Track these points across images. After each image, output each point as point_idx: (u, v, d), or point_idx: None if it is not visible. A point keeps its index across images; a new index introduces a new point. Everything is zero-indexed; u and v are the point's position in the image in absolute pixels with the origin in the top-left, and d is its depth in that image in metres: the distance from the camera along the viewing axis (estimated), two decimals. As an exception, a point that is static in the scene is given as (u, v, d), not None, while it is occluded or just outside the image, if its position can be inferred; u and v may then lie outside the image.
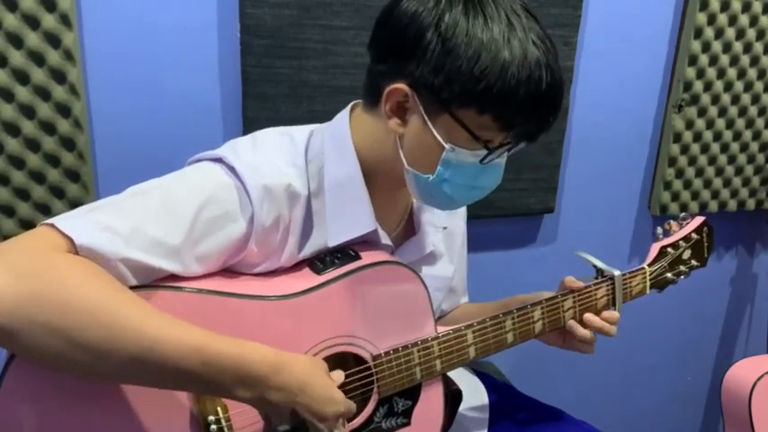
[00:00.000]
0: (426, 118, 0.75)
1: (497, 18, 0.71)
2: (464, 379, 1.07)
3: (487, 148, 0.76)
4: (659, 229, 1.13)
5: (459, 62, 0.71)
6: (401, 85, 0.75)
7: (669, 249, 1.10)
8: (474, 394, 1.05)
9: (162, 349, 0.62)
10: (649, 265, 1.08)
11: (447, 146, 0.76)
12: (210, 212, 0.72)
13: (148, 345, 0.62)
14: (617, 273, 1.01)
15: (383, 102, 0.77)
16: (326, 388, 0.72)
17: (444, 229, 1.00)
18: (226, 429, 0.74)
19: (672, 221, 1.13)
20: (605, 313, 0.99)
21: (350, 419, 0.80)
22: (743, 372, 1.56)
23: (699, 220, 1.14)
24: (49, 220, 0.65)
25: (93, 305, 0.60)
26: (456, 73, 0.71)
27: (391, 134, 0.79)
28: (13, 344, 0.59)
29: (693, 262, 1.13)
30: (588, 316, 0.97)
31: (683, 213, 1.15)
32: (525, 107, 0.73)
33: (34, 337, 0.58)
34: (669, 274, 1.10)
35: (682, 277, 1.12)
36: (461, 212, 1.08)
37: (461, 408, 1.00)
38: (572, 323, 0.97)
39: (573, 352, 1.01)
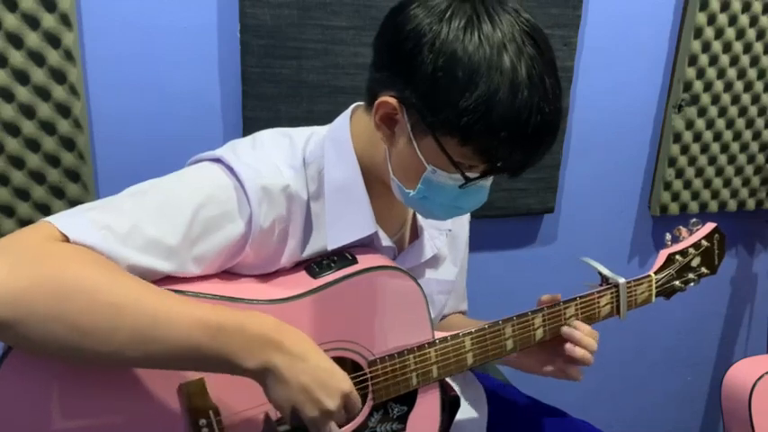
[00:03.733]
0: (411, 135, 0.74)
1: (494, 44, 0.68)
2: (463, 384, 1.06)
3: (465, 177, 0.75)
4: (668, 236, 1.10)
5: (445, 93, 0.69)
6: (391, 99, 0.74)
7: (677, 257, 1.07)
8: (472, 401, 1.04)
9: (165, 324, 0.62)
10: (656, 273, 1.05)
11: (428, 167, 0.75)
12: (209, 212, 0.72)
13: (151, 321, 0.62)
14: (622, 280, 0.99)
15: (373, 110, 0.76)
16: (329, 361, 0.71)
17: (449, 232, 1.00)
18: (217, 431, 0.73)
19: (682, 228, 1.10)
20: (582, 327, 0.94)
21: (341, 425, 0.78)
22: (743, 372, 1.56)
23: (710, 226, 1.11)
24: (47, 219, 0.65)
25: (93, 287, 0.61)
26: (441, 104, 0.69)
27: (382, 141, 0.79)
28: (16, 336, 0.59)
29: (703, 269, 1.10)
30: (566, 329, 0.93)
31: (694, 219, 1.11)
32: (507, 146, 0.71)
33: (36, 327, 0.58)
34: (677, 282, 1.08)
35: (691, 285, 1.09)
36: (466, 215, 1.06)
37: (459, 415, 0.99)
38: (566, 331, 0.93)
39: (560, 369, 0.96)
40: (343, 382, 0.71)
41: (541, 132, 0.71)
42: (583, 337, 0.92)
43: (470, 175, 0.75)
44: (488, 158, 0.73)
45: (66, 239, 0.64)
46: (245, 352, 0.66)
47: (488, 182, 0.80)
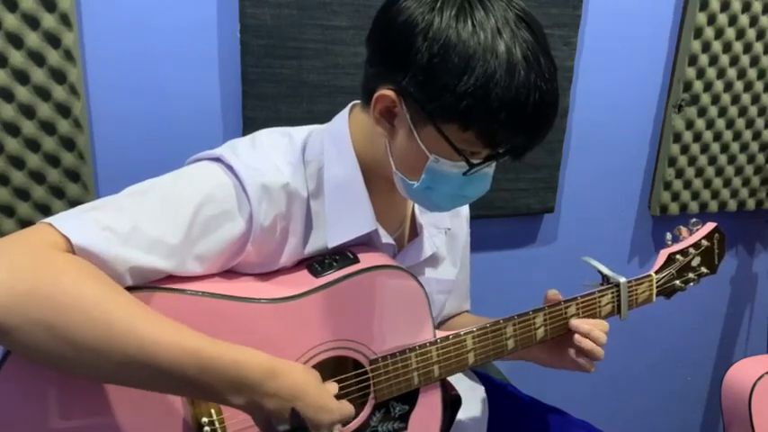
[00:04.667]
0: (412, 126, 0.75)
1: (488, 29, 0.68)
2: (464, 384, 1.06)
3: (469, 163, 0.75)
4: (668, 235, 1.10)
5: (443, 79, 0.69)
6: (389, 92, 0.74)
7: (678, 256, 1.08)
8: (474, 401, 1.04)
9: (156, 351, 0.62)
10: (656, 273, 1.06)
11: (431, 156, 0.75)
12: (209, 211, 0.72)
13: (142, 346, 0.61)
14: (622, 280, 0.99)
15: (372, 105, 0.76)
16: (321, 397, 0.71)
17: (447, 231, 1.00)
18: (219, 430, 0.73)
19: (682, 227, 1.10)
20: (591, 320, 0.95)
21: (345, 423, 0.79)
22: (743, 372, 1.56)
23: (710, 226, 1.11)
24: (48, 219, 0.65)
25: (88, 304, 0.60)
26: (440, 89, 0.70)
27: (381, 136, 0.79)
28: (8, 340, 0.59)
29: (703, 269, 1.10)
30: (575, 322, 0.93)
31: (694, 219, 1.12)
32: (508, 128, 0.71)
33: (28, 334, 0.58)
34: (677, 282, 1.08)
35: (691, 284, 1.10)
36: (465, 215, 1.06)
37: (460, 414, 0.99)
38: (576, 323, 0.94)
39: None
40: (334, 414, 0.72)
41: (540, 112, 0.72)
42: (591, 329, 0.93)
43: (474, 160, 0.75)
44: (490, 142, 0.74)
45: (68, 241, 0.63)
46: (233, 390, 0.66)
47: (492, 168, 0.80)
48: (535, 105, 0.70)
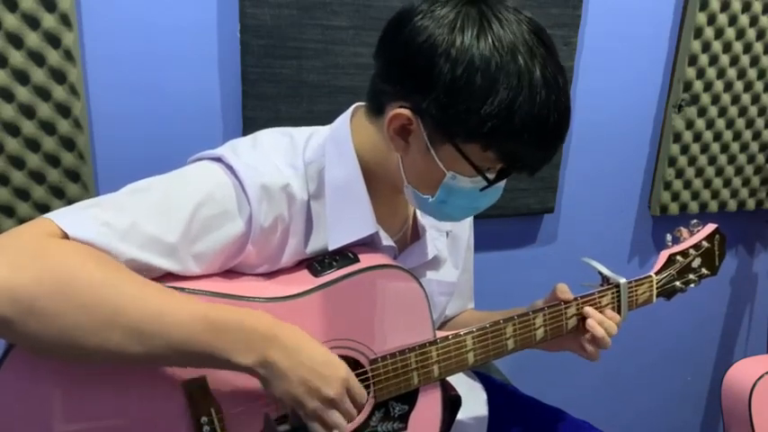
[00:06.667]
0: (429, 144, 0.75)
1: (507, 48, 0.69)
2: (464, 384, 1.06)
3: (487, 180, 0.77)
4: (669, 236, 1.10)
5: (467, 101, 0.69)
6: (406, 111, 0.74)
7: (678, 257, 1.08)
8: (474, 401, 1.04)
9: (166, 319, 0.63)
10: (656, 273, 1.06)
11: (448, 173, 0.76)
12: (208, 211, 0.72)
13: (152, 316, 0.63)
14: (622, 281, 0.99)
15: (386, 123, 0.76)
16: (325, 352, 0.72)
17: (449, 233, 1.00)
18: (218, 429, 0.74)
19: (682, 228, 1.11)
20: (608, 312, 0.97)
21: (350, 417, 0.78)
22: (743, 372, 1.56)
23: (710, 227, 1.11)
24: (47, 215, 0.65)
25: (95, 284, 0.61)
26: (463, 112, 0.70)
27: (393, 150, 0.79)
28: (16, 333, 0.59)
29: (703, 270, 1.10)
30: (589, 309, 0.95)
31: (694, 220, 1.12)
32: (530, 146, 0.73)
33: (38, 324, 0.59)
34: (677, 283, 1.08)
35: (691, 285, 1.10)
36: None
37: (460, 415, 0.99)
38: (590, 310, 0.95)
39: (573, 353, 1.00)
40: (341, 369, 0.72)
41: (559, 129, 0.74)
42: (605, 319, 0.94)
43: (492, 176, 0.76)
44: (511, 160, 0.75)
45: (66, 236, 0.64)
46: (243, 348, 0.67)
47: (505, 180, 0.81)
48: (555, 124, 0.72)
